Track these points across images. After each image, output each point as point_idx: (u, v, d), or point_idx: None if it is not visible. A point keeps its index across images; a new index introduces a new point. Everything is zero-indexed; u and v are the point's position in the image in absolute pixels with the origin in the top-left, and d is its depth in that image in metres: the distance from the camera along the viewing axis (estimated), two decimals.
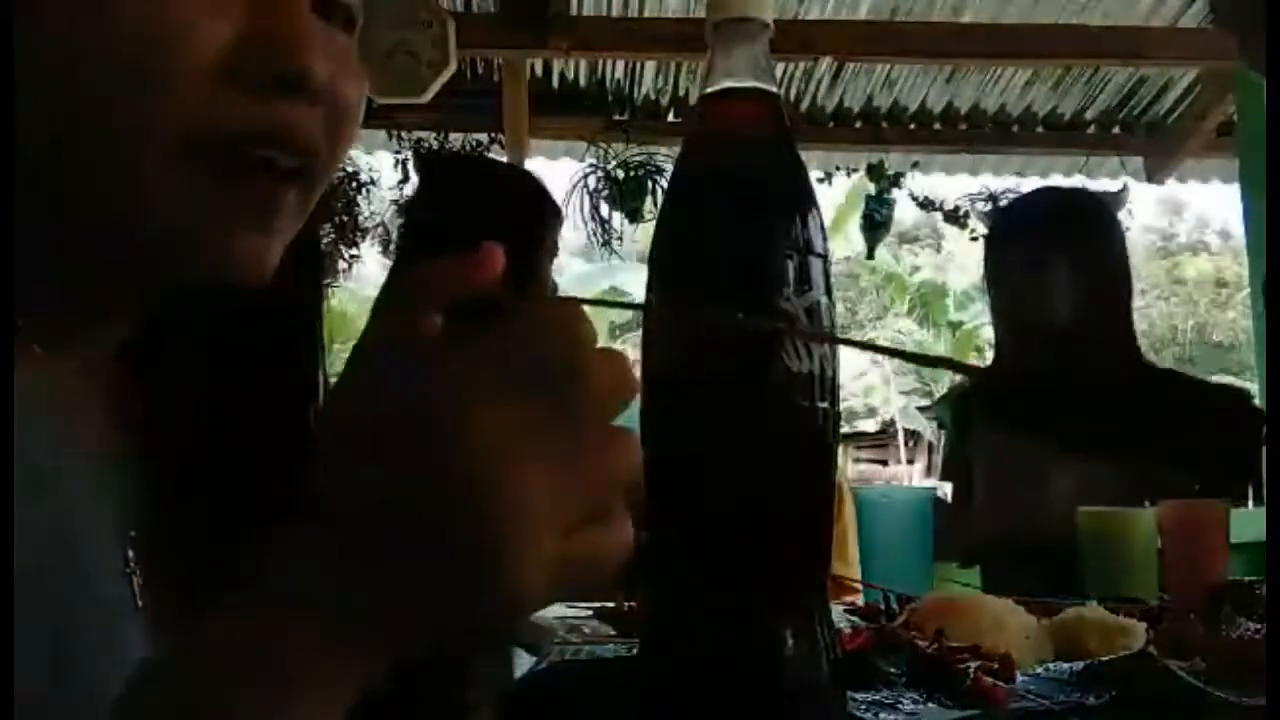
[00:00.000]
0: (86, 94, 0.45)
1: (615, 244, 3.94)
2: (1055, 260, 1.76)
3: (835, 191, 4.06)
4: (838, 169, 4.10)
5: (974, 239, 3.96)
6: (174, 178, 0.47)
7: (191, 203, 0.47)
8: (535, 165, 3.91)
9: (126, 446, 0.57)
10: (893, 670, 0.76)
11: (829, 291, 0.54)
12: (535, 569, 0.35)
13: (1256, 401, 1.79)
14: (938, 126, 3.95)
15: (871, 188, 4.11)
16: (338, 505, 0.36)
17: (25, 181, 0.47)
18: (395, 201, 3.91)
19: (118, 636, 0.53)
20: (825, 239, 0.55)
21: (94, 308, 0.53)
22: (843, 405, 0.56)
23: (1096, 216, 1.86)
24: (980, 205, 4.03)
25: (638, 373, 0.52)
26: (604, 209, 3.80)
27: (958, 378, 1.98)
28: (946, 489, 1.93)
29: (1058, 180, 3.88)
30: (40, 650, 0.48)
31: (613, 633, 1.01)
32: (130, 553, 0.55)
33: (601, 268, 8.87)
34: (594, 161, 3.78)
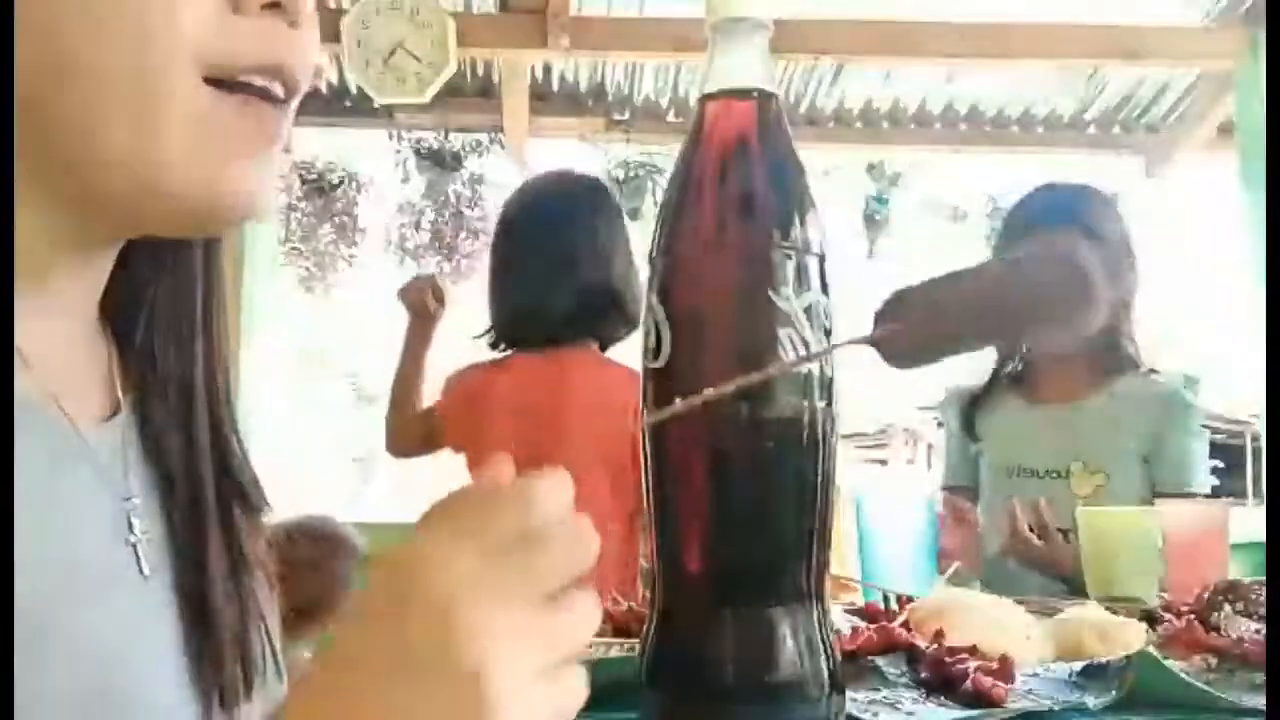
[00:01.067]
0: (106, 23, 0.49)
1: None
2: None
3: (835, 191, 4.06)
4: (838, 169, 4.10)
5: (973, 239, 3.96)
6: (190, 100, 0.51)
7: (207, 125, 0.51)
8: (535, 165, 3.91)
9: (118, 412, 0.59)
10: (892, 670, 0.76)
11: (827, 291, 0.54)
12: (518, 707, 0.39)
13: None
14: (938, 126, 3.95)
15: (871, 188, 4.11)
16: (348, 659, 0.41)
17: (36, 107, 0.50)
18: (395, 201, 3.92)
19: (118, 604, 0.55)
20: (824, 238, 0.55)
21: (88, 239, 0.56)
22: (842, 405, 0.56)
23: (1110, 212, 1.86)
24: (981, 205, 4.03)
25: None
26: None
27: (960, 382, 1.95)
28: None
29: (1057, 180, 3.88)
30: (37, 623, 0.49)
31: (613, 633, 1.01)
32: (134, 520, 0.57)
33: None
34: (594, 161, 3.78)
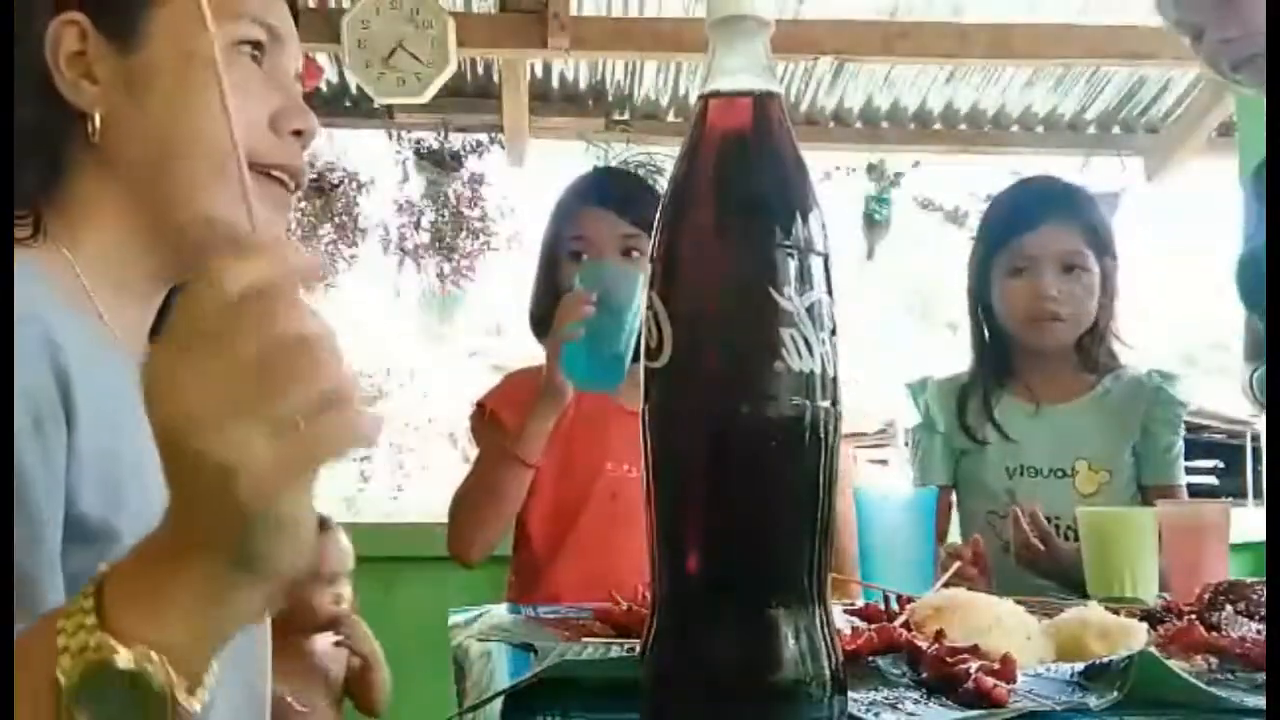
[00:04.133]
0: (197, 133, 0.81)
1: None
2: (1085, 250, 1.76)
3: (835, 191, 4.06)
4: (838, 169, 4.10)
5: (974, 239, 3.95)
6: (244, 185, 0.76)
7: (254, 201, 0.76)
8: (535, 165, 3.92)
9: None
10: (893, 671, 0.76)
11: (830, 290, 0.54)
12: (245, 452, 0.47)
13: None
14: (938, 126, 3.94)
15: (871, 188, 4.11)
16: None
17: (151, 174, 0.82)
18: (395, 201, 3.91)
19: None
20: (826, 237, 0.55)
21: (166, 272, 0.86)
22: (843, 405, 0.56)
23: (1104, 212, 1.86)
24: (981, 205, 4.03)
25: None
26: None
27: (948, 372, 1.94)
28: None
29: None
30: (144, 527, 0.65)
31: (613, 633, 1.01)
32: None
33: None
34: (594, 161, 3.77)
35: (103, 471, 0.72)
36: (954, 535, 1.82)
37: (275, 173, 0.85)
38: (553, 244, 1.76)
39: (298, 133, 0.86)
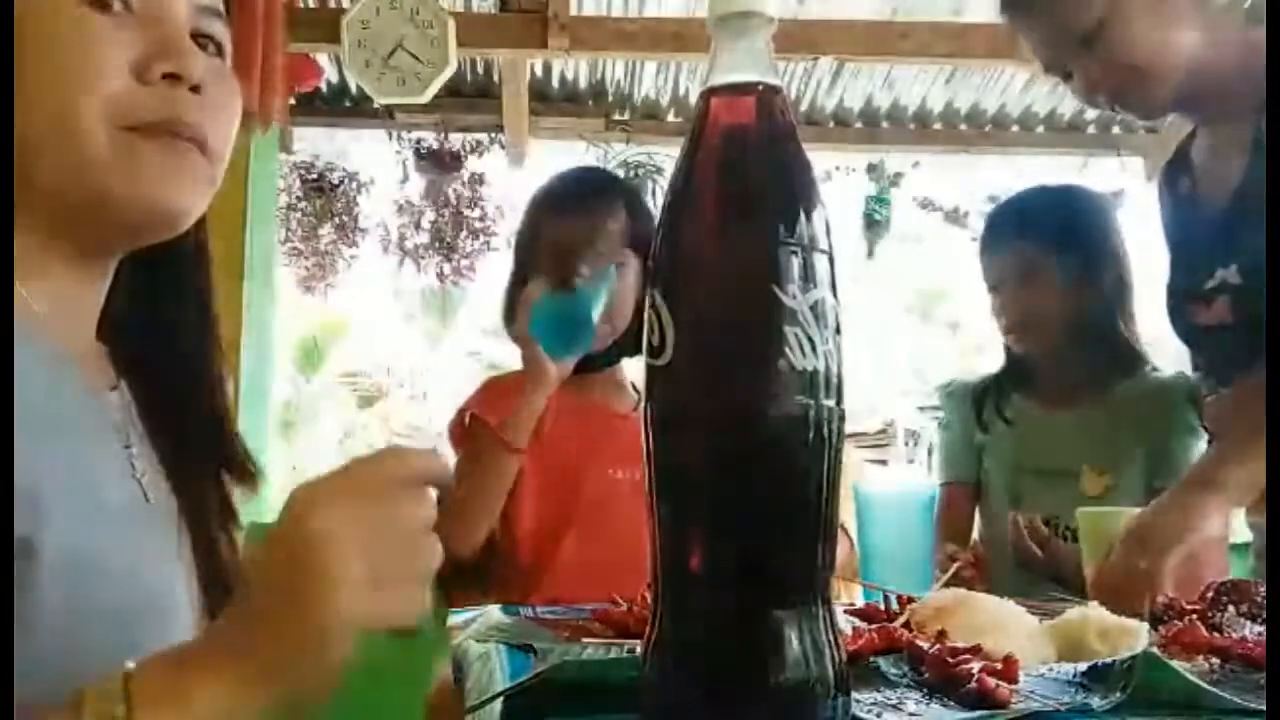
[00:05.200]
0: (50, 104, 0.71)
1: None
2: (1046, 259, 1.76)
3: (835, 191, 4.06)
4: (837, 169, 4.10)
5: (974, 239, 3.95)
6: (108, 146, 0.71)
7: (124, 163, 0.72)
8: (535, 165, 3.92)
9: (117, 384, 0.81)
10: (894, 671, 0.76)
11: (834, 289, 0.54)
12: (356, 579, 0.55)
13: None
14: (938, 126, 3.94)
15: (871, 188, 4.11)
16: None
17: (35, 154, 0.71)
18: (395, 201, 3.91)
19: (134, 523, 0.75)
20: (830, 236, 0.54)
21: (78, 262, 0.77)
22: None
23: (1090, 214, 1.86)
24: (981, 205, 4.03)
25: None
26: None
27: (961, 377, 1.96)
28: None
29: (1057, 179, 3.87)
30: (72, 539, 0.67)
31: (612, 633, 1.00)
32: (134, 462, 0.78)
33: None
34: (594, 161, 3.77)
35: (17, 482, 0.66)
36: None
37: (157, 125, 0.72)
38: (522, 248, 1.75)
39: (173, 77, 0.72)
